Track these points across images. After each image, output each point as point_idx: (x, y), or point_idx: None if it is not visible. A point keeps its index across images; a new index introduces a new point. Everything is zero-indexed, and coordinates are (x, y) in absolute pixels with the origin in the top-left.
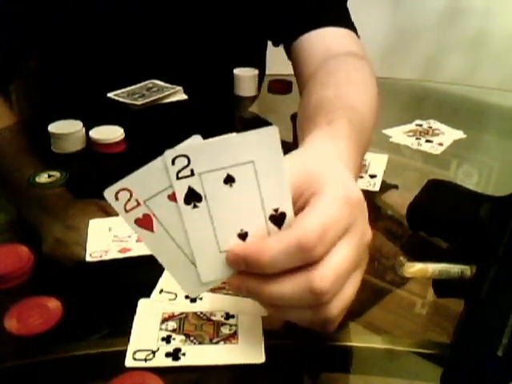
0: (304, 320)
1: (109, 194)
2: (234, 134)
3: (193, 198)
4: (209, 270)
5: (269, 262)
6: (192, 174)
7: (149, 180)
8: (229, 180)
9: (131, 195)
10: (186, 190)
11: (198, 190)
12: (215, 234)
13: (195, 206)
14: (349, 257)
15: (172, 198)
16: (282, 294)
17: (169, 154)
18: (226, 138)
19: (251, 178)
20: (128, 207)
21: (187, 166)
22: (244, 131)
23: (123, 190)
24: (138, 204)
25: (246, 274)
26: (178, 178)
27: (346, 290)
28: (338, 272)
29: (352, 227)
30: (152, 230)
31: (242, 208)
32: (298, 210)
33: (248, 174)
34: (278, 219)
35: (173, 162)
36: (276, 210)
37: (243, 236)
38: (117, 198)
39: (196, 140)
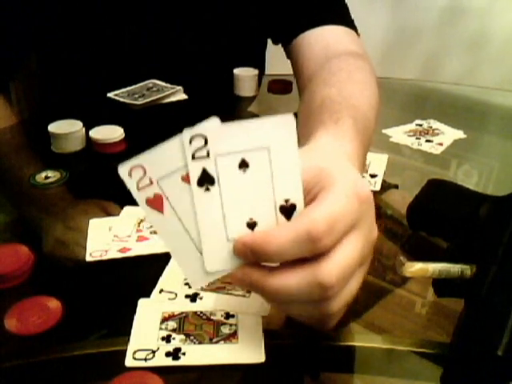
0: (305, 314)
1: (123, 170)
2: (252, 120)
3: (206, 180)
4: (215, 258)
5: (276, 251)
6: (208, 155)
7: (164, 159)
8: (243, 165)
9: (145, 173)
10: (200, 172)
11: (212, 172)
12: (224, 220)
13: (207, 190)
14: (355, 253)
15: (185, 179)
16: (286, 286)
17: (187, 133)
18: (243, 123)
19: (265, 165)
20: (140, 185)
21: (204, 146)
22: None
23: (137, 167)
24: (151, 183)
25: (250, 266)
26: (193, 158)
27: (350, 286)
28: (344, 267)
29: (360, 223)
30: (162, 212)
31: (253, 196)
32: (307, 205)
33: (262, 161)
34: (287, 210)
35: (190, 142)
36: (287, 201)
37: (252, 225)
38: (130, 175)
39: (214, 122)
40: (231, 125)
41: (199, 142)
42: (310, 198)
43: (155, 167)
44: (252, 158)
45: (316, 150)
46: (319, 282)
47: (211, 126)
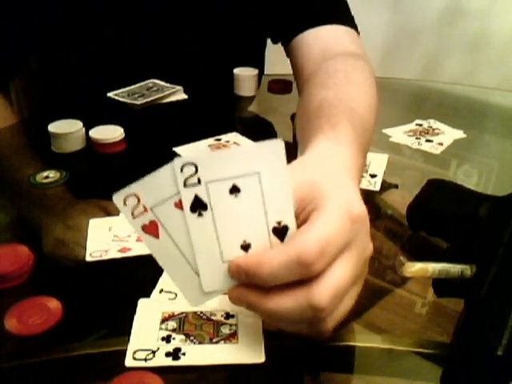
0: (300, 332)
1: (117, 198)
2: (241, 146)
3: (198, 206)
4: (211, 279)
5: (268, 274)
6: (199, 182)
7: (156, 186)
8: (234, 190)
9: (139, 201)
10: (192, 198)
11: (204, 198)
12: (219, 243)
13: (200, 215)
14: (348, 273)
15: (178, 205)
16: (280, 308)
17: (178, 161)
18: (233, 150)
19: (256, 190)
20: (135, 213)
21: (195, 174)
22: (244, 131)
23: (131, 195)
24: (145, 210)
25: (246, 286)
26: (185, 185)
27: (343, 305)
28: (336, 288)
29: (353, 242)
30: (158, 237)
31: (245, 219)
32: (301, 223)
33: (253, 186)
34: (280, 232)
35: (181, 170)
36: (279, 223)
37: (246, 247)
38: (125, 203)
39: (204, 151)
40: (221, 152)
41: (190, 170)
42: (304, 215)
43: (148, 195)
44: (243, 183)
45: (313, 161)
46: (311, 305)
47: (201, 154)
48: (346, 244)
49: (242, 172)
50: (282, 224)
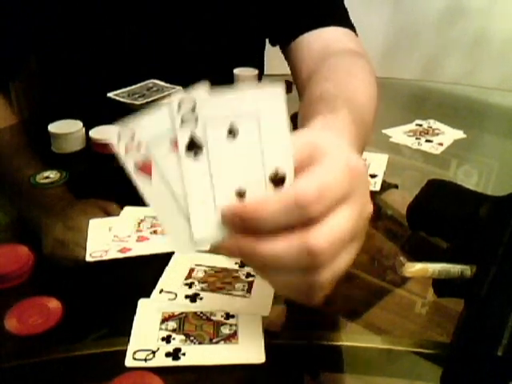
0: (292, 285)
1: (113, 135)
2: (242, 89)
3: (194, 147)
4: (202, 226)
5: (264, 218)
6: (196, 120)
7: (153, 124)
8: (232, 133)
9: (134, 137)
10: (188, 138)
11: (200, 140)
12: (213, 188)
13: (195, 157)
14: (346, 224)
15: (174, 145)
16: (275, 252)
17: (175, 98)
18: (232, 91)
19: (254, 134)
20: (130, 148)
21: (192, 112)
22: None
23: (127, 130)
24: (140, 147)
25: (239, 235)
26: (181, 124)
27: (340, 258)
28: (334, 236)
29: (351, 196)
30: (150, 177)
31: (242, 165)
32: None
33: (251, 130)
34: (277, 181)
35: (179, 108)
36: (276, 171)
37: (241, 194)
38: (119, 138)
39: (203, 89)
40: (220, 92)
41: (188, 108)
42: (301, 172)
43: (144, 131)
44: (241, 126)
45: (311, 131)
46: (308, 248)
47: (200, 94)
48: (344, 194)
49: (240, 114)
50: (280, 173)
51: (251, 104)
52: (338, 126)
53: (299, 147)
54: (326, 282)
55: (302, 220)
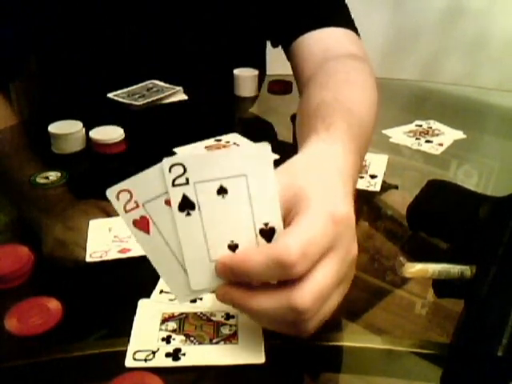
0: (283, 331)
1: (111, 193)
2: (229, 148)
3: (186, 205)
4: (199, 278)
5: (252, 273)
6: (187, 182)
7: (148, 184)
8: (222, 191)
9: (131, 196)
10: (180, 198)
11: (192, 198)
12: (206, 243)
13: (188, 214)
14: (331, 275)
15: (168, 203)
16: (262, 308)
17: (166, 161)
18: (221, 151)
19: (243, 192)
20: (127, 208)
21: (183, 174)
22: (245, 131)
23: (124, 190)
24: (137, 206)
25: (231, 285)
26: (173, 185)
27: (327, 306)
28: (319, 291)
29: (336, 244)
30: (148, 233)
31: (233, 220)
32: (287, 225)
33: (240, 187)
34: (267, 233)
35: (170, 170)
36: (266, 225)
37: (233, 247)
38: (118, 198)
39: (193, 151)
40: (209, 153)
41: (178, 170)
42: (290, 217)
43: (140, 191)
44: (230, 185)
45: (301, 163)
46: (293, 307)
47: (190, 154)
48: (328, 246)
49: (229, 174)
50: (269, 225)
51: (239, 164)
52: (333, 149)
53: (284, 190)
54: (313, 329)
55: (287, 278)
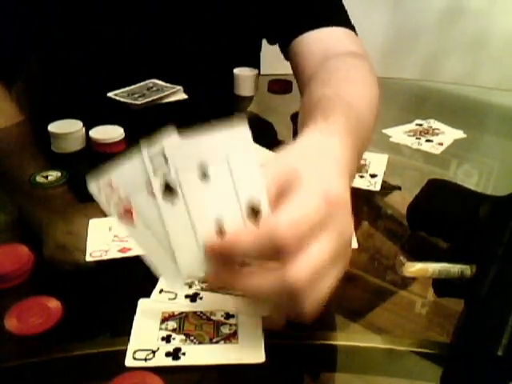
0: (279, 312)
1: (93, 186)
2: (208, 133)
3: (170, 193)
4: (188, 264)
5: (242, 255)
6: (168, 170)
7: (129, 175)
8: (204, 175)
9: (113, 189)
10: (163, 186)
11: (175, 185)
12: (193, 229)
13: (172, 202)
14: (326, 251)
15: (151, 193)
16: (256, 286)
17: (146, 151)
18: (200, 136)
19: (226, 174)
20: (111, 201)
21: (163, 162)
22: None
23: (106, 183)
24: (120, 198)
25: (223, 268)
26: (155, 174)
27: (322, 284)
28: (313, 267)
29: (330, 223)
30: (133, 224)
31: (218, 204)
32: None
33: (222, 171)
34: (254, 214)
35: (150, 159)
36: (252, 206)
37: (221, 230)
38: (99, 192)
39: (172, 137)
40: (188, 139)
41: (159, 158)
42: (282, 200)
43: (122, 183)
44: (212, 168)
45: (296, 149)
46: (287, 284)
47: (169, 141)
48: (321, 224)
49: (210, 157)
50: (256, 207)
51: (219, 145)
52: (329, 137)
53: (278, 173)
54: (311, 308)
55: (280, 255)
